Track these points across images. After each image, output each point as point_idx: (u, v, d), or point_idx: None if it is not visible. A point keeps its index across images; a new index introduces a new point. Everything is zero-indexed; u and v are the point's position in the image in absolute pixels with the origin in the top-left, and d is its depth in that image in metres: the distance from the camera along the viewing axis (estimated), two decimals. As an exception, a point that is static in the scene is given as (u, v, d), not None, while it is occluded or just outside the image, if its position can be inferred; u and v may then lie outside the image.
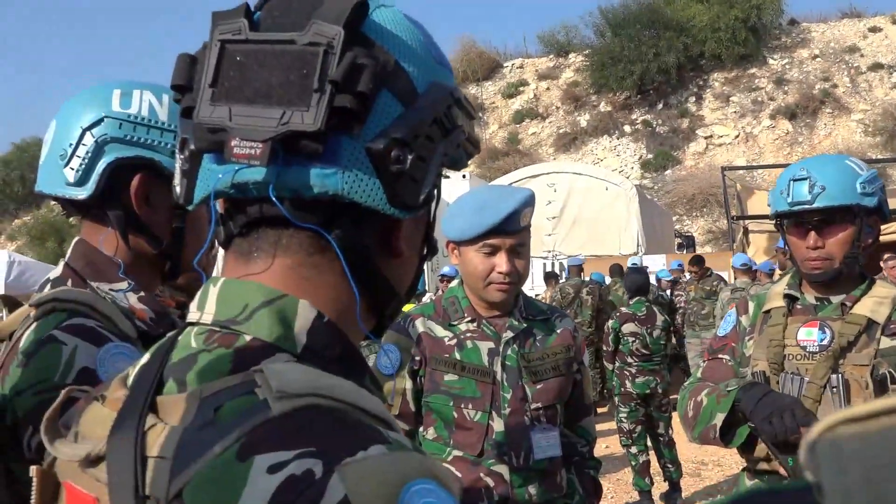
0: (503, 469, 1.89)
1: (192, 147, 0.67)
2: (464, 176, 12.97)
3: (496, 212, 1.87)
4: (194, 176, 0.69)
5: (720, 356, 2.14)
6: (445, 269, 9.13)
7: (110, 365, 1.14)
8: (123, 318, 1.23)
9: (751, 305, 2.14)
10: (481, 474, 1.88)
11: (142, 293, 1.31)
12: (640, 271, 7.11)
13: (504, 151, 27.73)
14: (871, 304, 1.94)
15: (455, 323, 1.99)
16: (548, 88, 30.82)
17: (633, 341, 6.43)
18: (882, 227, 2.04)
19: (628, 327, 6.49)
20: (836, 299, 1.99)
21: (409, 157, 0.65)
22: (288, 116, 0.62)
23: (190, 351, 0.65)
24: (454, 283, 2.10)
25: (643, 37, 27.44)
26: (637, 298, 6.57)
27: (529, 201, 1.92)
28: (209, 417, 0.58)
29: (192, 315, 0.69)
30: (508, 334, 1.97)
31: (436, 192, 0.72)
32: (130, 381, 0.67)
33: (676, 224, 21.49)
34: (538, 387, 1.96)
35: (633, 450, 6.33)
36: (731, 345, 2.13)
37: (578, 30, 32.02)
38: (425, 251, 0.78)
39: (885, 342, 1.90)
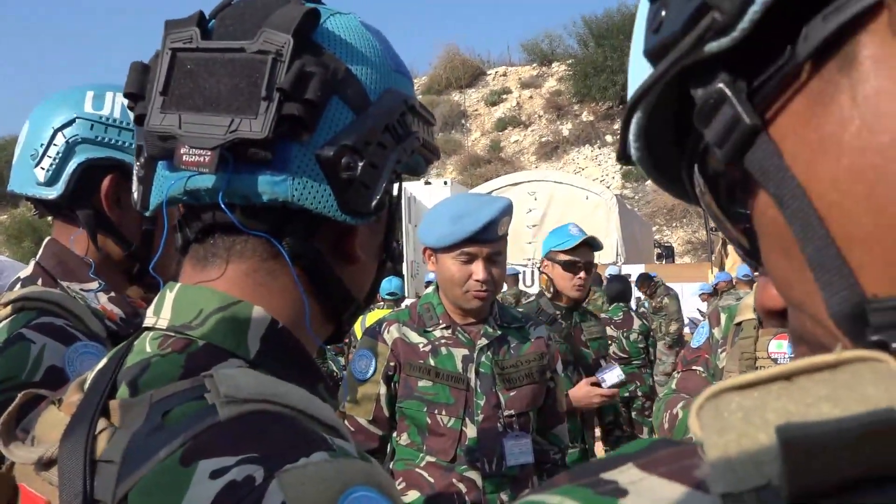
0: (475, 475, 1.89)
1: (146, 154, 0.67)
2: (445, 182, 13.00)
3: (474, 221, 1.88)
4: (150, 182, 0.69)
5: (694, 368, 2.16)
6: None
7: (78, 364, 1.13)
8: (93, 318, 1.22)
9: (723, 317, 2.16)
10: (454, 480, 1.89)
11: (112, 293, 1.30)
12: (621, 279, 7.20)
13: (486, 159, 27.78)
14: None
15: (430, 329, 2.00)
16: (530, 97, 30.93)
17: (610, 345, 6.52)
18: None
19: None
20: None
21: (360, 163, 0.65)
22: (236, 124, 0.62)
23: (144, 356, 0.65)
24: (429, 289, 2.10)
25: (626, 47, 27.58)
26: (615, 304, 6.66)
27: (507, 211, 1.93)
28: (157, 422, 0.58)
29: (149, 320, 0.69)
30: (483, 341, 1.98)
31: (391, 198, 0.72)
32: (87, 385, 0.67)
33: (656, 234, 21.63)
34: (511, 394, 1.96)
35: (613, 454, 6.37)
36: (705, 356, 2.15)
37: (562, 39, 32.30)
38: (384, 256, 0.78)
39: None
